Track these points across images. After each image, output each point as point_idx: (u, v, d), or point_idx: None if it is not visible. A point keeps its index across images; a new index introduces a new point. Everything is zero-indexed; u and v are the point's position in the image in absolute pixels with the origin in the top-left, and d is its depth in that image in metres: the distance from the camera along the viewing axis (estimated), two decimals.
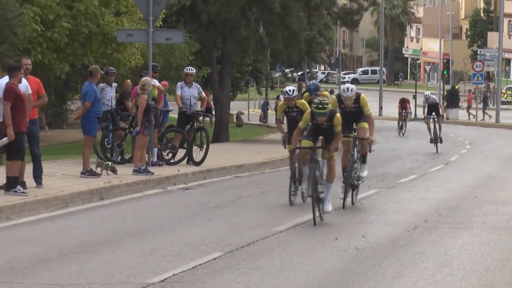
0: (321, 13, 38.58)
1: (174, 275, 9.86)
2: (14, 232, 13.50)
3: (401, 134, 45.15)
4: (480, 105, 67.26)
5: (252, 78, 51.09)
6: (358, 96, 15.84)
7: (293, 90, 17.71)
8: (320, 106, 13.97)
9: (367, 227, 13.94)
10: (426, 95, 34.13)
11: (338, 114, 15.12)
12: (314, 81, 20.03)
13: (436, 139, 32.54)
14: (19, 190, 15.60)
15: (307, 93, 19.02)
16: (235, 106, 48.72)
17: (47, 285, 9.38)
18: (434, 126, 32.69)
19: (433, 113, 33.16)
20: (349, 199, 16.55)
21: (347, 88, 16.00)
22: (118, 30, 26.27)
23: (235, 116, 47.71)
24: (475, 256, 11.72)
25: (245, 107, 61.07)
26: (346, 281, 10.01)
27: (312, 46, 41.42)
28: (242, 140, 40.01)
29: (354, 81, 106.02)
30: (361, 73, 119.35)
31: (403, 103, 45.77)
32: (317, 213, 14.30)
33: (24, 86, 16.26)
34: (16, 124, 15.80)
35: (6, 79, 16.49)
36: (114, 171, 18.93)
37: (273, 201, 17.72)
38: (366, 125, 16.45)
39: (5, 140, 15.74)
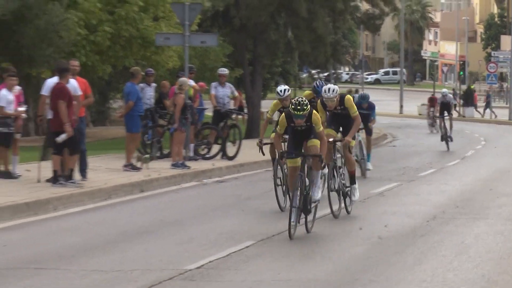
0: (345, 18, 38.79)
1: (210, 262, 9.88)
2: (60, 222, 13.64)
3: (434, 131, 43.83)
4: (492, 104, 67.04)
5: (282, 78, 51.05)
6: (342, 97, 13.68)
7: (285, 90, 15.73)
8: (299, 107, 11.59)
9: (389, 218, 13.84)
10: (444, 93, 33.34)
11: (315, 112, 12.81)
12: (320, 81, 16.54)
13: (446, 137, 31.39)
14: (73, 181, 15.86)
15: (308, 92, 16.46)
16: (265, 105, 48.76)
17: (91, 271, 9.44)
18: (444, 124, 31.71)
19: (445, 112, 32.24)
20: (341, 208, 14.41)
21: (329, 89, 13.65)
22: (156, 34, 26.43)
23: (265, 113, 47.88)
24: (490, 245, 11.65)
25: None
26: (370, 267, 10.00)
27: (337, 48, 41.99)
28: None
29: (377, 81, 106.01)
30: (382, 74, 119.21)
31: (432, 102, 44.74)
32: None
33: (73, 87, 16.43)
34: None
35: (55, 79, 16.63)
36: (148, 162, 19.27)
37: None
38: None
39: (64, 136, 15.98)
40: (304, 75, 68.99)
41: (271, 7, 34.40)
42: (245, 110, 32.13)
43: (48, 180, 16.47)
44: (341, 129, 14.12)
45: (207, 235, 12.04)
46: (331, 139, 13.12)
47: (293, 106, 11.63)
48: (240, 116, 28.05)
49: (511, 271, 9.82)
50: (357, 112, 13.97)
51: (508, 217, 14.37)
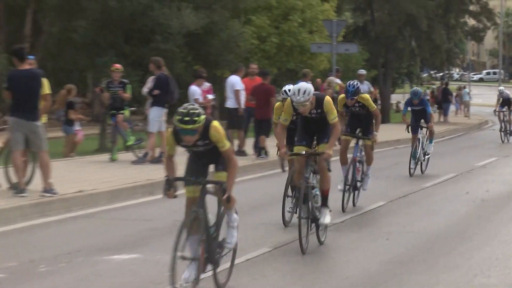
0: (456, 31, 37.23)
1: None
2: None
3: None
4: None
5: (406, 77, 49.70)
6: (320, 99, 7.70)
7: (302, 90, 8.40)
8: (186, 118, 5.66)
9: (490, 185, 12.95)
10: (500, 90, 27.08)
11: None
12: (355, 82, 10.30)
13: (505, 130, 24.78)
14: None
15: (342, 95, 10.39)
16: (395, 98, 48.05)
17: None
18: (503, 118, 25.05)
19: (505, 107, 25.79)
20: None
21: (298, 90, 7.45)
22: (311, 43, 26.22)
23: (394, 104, 47.49)
24: None
25: (401, 98, 60.19)
26: (473, 223, 9.69)
27: (450, 54, 41.11)
28: (399, 122, 38.35)
29: (480, 80, 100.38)
30: (485, 74, 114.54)
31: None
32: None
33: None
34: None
35: (235, 78, 15.52)
36: None
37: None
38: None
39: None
40: (425, 75, 66.73)
41: (399, 23, 33.24)
42: (378, 102, 31.25)
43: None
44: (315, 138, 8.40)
45: None
46: (303, 152, 7.94)
47: (178, 118, 5.71)
48: None
49: None
50: (336, 119, 8.01)
51: None
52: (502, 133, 23.61)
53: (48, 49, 24.83)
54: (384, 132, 16.84)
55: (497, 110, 24.63)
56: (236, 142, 14.65)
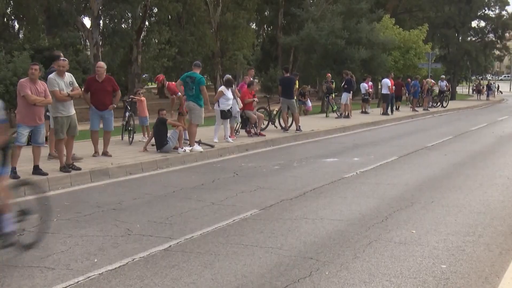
0: (489, 58, 51.53)
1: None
2: None
3: None
4: None
5: (463, 78, 59.31)
6: None
7: None
8: None
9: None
10: None
11: None
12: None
13: None
14: None
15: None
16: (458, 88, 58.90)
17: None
18: None
19: None
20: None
21: None
22: (419, 64, 36.54)
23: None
24: None
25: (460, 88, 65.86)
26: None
27: (486, 68, 56.97)
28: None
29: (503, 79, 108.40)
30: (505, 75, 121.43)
31: None
32: None
33: None
34: None
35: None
36: None
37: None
38: None
39: None
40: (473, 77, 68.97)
41: (460, 54, 46.75)
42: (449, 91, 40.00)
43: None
44: None
45: None
46: None
47: None
48: None
49: None
50: None
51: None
52: None
53: None
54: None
55: None
56: None
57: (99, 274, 5.43)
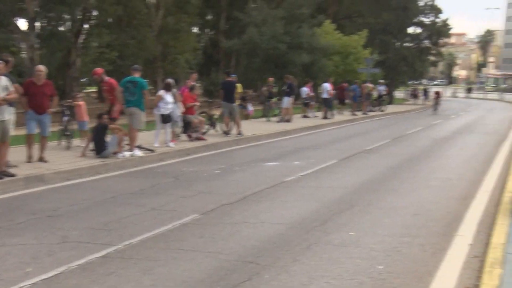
0: (425, 63, 53.55)
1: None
2: None
3: None
4: None
5: (401, 83, 58.34)
6: None
7: None
8: None
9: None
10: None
11: None
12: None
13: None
14: None
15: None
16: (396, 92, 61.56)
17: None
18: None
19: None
20: None
21: None
22: (358, 68, 37.64)
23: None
24: None
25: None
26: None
27: (422, 74, 58.49)
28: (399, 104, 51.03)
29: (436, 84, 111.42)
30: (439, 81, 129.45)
31: None
32: None
33: None
34: None
35: None
36: None
37: None
38: None
39: None
40: (409, 82, 68.21)
41: (398, 59, 48.99)
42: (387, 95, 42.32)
43: None
44: None
45: None
46: None
47: None
48: None
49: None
50: None
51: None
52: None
53: None
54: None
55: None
56: None
57: (33, 284, 5.27)
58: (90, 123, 15.45)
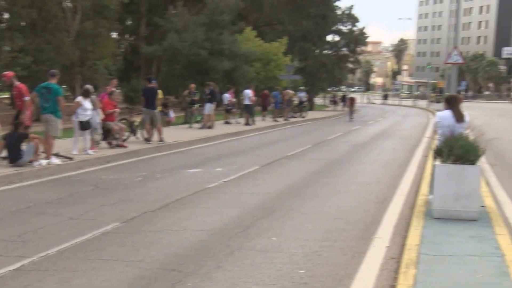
0: (343, 70, 55.40)
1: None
2: None
3: None
4: None
5: (322, 90, 59.44)
6: None
7: None
8: None
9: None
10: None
11: None
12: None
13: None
14: None
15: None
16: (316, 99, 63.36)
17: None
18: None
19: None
20: None
21: None
22: (279, 75, 38.96)
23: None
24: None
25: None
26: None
27: (340, 80, 60.21)
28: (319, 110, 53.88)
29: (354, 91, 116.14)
30: (357, 88, 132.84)
31: None
32: None
33: None
34: None
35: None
36: None
37: None
38: None
39: None
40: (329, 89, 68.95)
41: (317, 67, 50.16)
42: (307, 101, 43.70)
43: None
44: None
45: None
46: None
47: None
48: None
49: None
50: None
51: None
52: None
53: None
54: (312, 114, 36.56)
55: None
56: None
57: None
58: (2, 130, 14.78)
